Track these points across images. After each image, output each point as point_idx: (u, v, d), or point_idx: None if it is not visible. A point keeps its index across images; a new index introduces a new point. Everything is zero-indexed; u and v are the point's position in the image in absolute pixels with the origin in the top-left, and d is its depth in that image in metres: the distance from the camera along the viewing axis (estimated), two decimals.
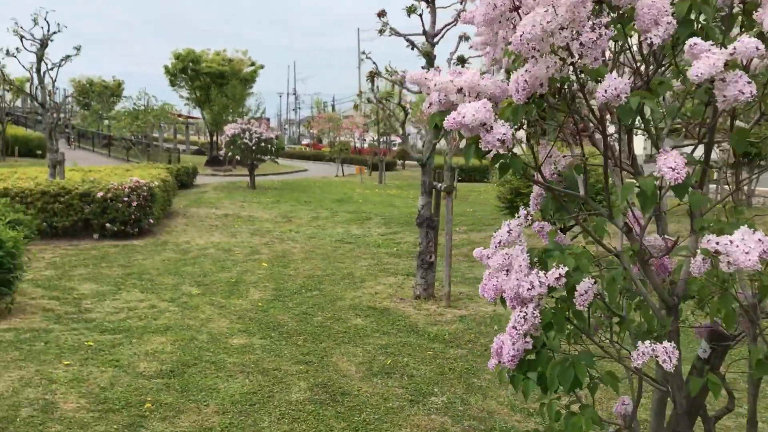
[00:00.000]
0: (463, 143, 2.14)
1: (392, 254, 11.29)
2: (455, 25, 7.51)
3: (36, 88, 14.04)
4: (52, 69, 14.00)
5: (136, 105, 32.88)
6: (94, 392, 5.01)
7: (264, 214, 16.28)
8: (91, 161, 29.04)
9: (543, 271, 1.71)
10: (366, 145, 50.77)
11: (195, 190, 21.98)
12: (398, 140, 60.36)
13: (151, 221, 12.79)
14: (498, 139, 1.57)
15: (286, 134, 77.46)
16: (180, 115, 43.92)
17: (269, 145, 23.22)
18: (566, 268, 1.67)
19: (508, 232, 1.76)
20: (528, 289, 1.63)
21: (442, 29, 7.61)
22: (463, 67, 7.43)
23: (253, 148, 22.75)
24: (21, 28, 13.33)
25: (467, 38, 7.98)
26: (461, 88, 1.65)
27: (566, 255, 1.77)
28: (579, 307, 1.72)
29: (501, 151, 1.62)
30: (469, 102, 1.63)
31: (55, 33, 13.75)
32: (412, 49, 7.95)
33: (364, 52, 7.93)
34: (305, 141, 75.69)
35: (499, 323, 7.09)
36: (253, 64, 38.03)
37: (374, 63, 7.96)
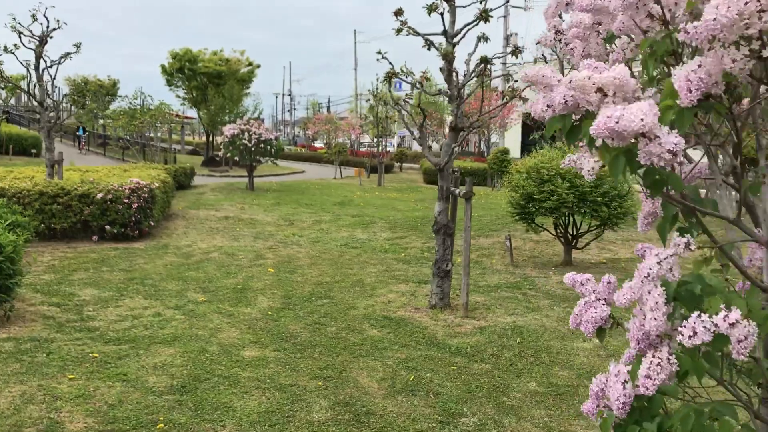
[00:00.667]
0: (576, 159, 1.84)
1: (400, 260, 10.99)
2: (477, 24, 7.22)
3: (34, 86, 13.67)
4: (51, 66, 13.64)
5: (132, 104, 32.45)
6: (102, 410, 4.69)
7: (265, 217, 15.96)
8: (87, 161, 28.62)
9: (702, 314, 1.40)
10: (363, 148, 50.46)
11: (193, 191, 21.62)
12: (395, 142, 60.12)
13: (152, 223, 12.45)
14: (669, 150, 1.28)
15: (281, 135, 77.01)
16: (177, 115, 43.50)
17: (268, 147, 22.89)
18: (739, 311, 1.38)
19: (659, 263, 1.47)
20: (689, 336, 1.34)
21: (463, 29, 7.32)
22: (485, 68, 7.15)
23: (252, 149, 22.42)
24: (19, 24, 12.96)
25: (487, 39, 7.71)
26: (600, 87, 1.36)
27: (733, 295, 1.47)
28: (737, 356, 1.43)
29: (664, 166, 1.33)
30: (610, 103, 1.34)
31: (54, 30, 13.38)
32: (429, 49, 7.66)
33: (380, 52, 7.62)
34: (300, 142, 75.34)
35: (521, 335, 6.80)
36: (250, 64, 37.68)
37: (390, 63, 7.65)
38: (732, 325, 1.32)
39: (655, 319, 1.46)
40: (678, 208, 1.76)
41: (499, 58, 9.27)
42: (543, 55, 18.99)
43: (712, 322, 1.33)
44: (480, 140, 48.93)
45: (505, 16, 47.27)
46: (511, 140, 46.15)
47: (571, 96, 1.43)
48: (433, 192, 23.89)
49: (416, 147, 57.12)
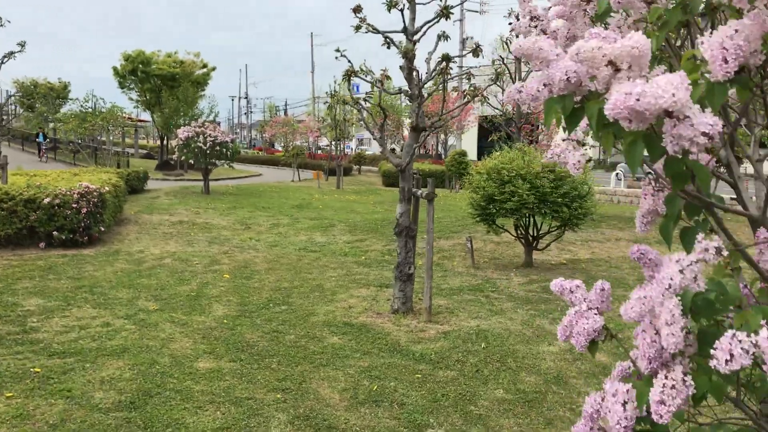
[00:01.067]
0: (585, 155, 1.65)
1: (361, 263, 10.75)
2: (437, 21, 7.04)
3: None
4: None
5: (83, 107, 31.51)
6: (42, 431, 4.35)
7: (221, 221, 15.56)
8: (37, 165, 27.69)
9: (738, 332, 1.19)
10: (320, 150, 50.06)
11: (146, 195, 21.04)
12: (353, 145, 59.86)
13: (102, 229, 11.98)
14: (703, 133, 1.08)
15: (237, 138, 76.02)
16: (129, 118, 42.51)
17: (224, 149, 22.43)
18: None
19: (681, 271, 1.26)
20: (726, 361, 1.14)
21: (423, 26, 7.13)
22: (448, 66, 6.98)
23: (208, 152, 21.94)
24: None
25: (447, 37, 7.55)
26: (612, 60, 1.16)
27: None
28: None
29: (696, 151, 1.12)
30: (624, 79, 1.14)
31: None
32: (389, 47, 7.46)
33: (338, 50, 7.38)
34: (258, 145, 74.56)
35: (486, 340, 6.63)
36: (205, 66, 37.02)
37: (349, 61, 7.42)
38: None
39: (673, 334, 1.26)
40: (681, 205, 1.57)
41: (461, 57, 9.13)
42: (501, 57, 19.03)
43: (752, 342, 1.13)
44: (437, 142, 49.02)
45: (461, 20, 47.48)
46: (468, 143, 46.37)
47: (574, 72, 1.23)
48: (392, 194, 23.72)
49: (375, 149, 57.00)
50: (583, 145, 2.18)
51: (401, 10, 7.09)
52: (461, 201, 17.42)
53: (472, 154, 40.78)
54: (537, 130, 22.30)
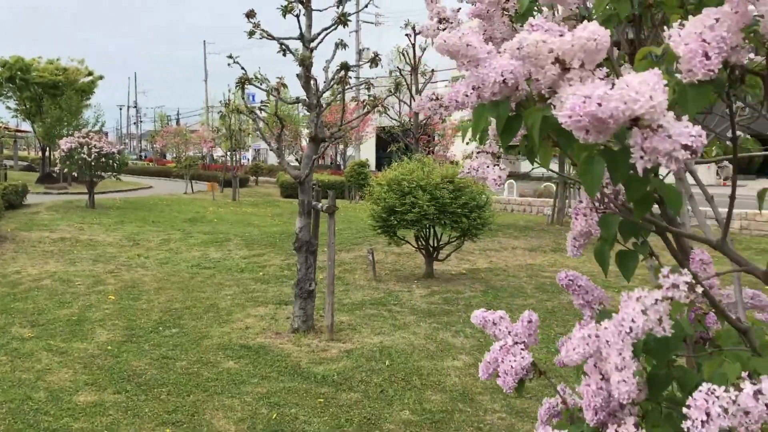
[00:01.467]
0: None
1: (259, 280, 10.32)
2: (335, 28, 6.80)
3: None
4: None
5: None
6: None
7: (107, 237, 14.66)
8: None
9: (715, 386, 0.97)
10: (215, 161, 48.75)
11: (26, 210, 19.63)
12: (249, 155, 58.73)
13: None
14: (685, 146, 0.86)
15: (126, 149, 72.96)
16: (7, 128, 39.89)
17: (111, 161, 21.29)
18: None
19: (643, 311, 1.03)
20: (703, 422, 0.91)
21: (321, 33, 6.87)
22: (347, 75, 6.75)
23: (93, 163, 20.74)
24: None
25: (345, 45, 7.32)
26: (559, 56, 0.93)
27: (747, 354, 1.08)
28: None
29: (673, 167, 0.89)
30: (576, 79, 0.91)
31: None
32: (285, 54, 7.15)
33: (231, 56, 7.00)
34: (148, 156, 71.91)
35: (390, 357, 6.41)
36: (90, 74, 35.25)
37: (243, 68, 7.06)
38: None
39: (625, 381, 1.04)
40: (615, 226, 1.38)
41: (358, 67, 8.94)
42: (398, 67, 19.06)
43: (731, 398, 0.92)
44: (336, 153, 48.86)
45: (356, 31, 47.68)
46: (367, 153, 46.46)
47: (511, 73, 1.00)
48: (290, 206, 23.27)
49: (272, 160, 56.11)
50: (499, 157, 1.97)
51: (297, 17, 6.81)
52: (362, 212, 17.26)
53: (370, 164, 40.84)
54: (433, 141, 22.48)
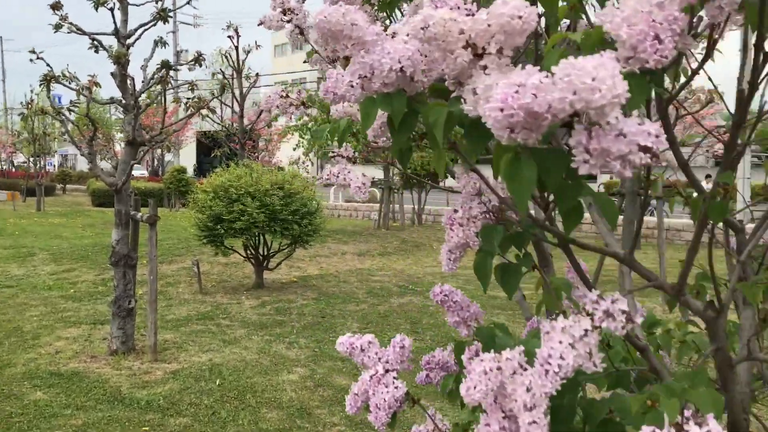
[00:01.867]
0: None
1: (69, 297, 9.41)
2: (154, 24, 6.31)
3: None
4: None
5: None
6: None
7: None
8: None
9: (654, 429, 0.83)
10: (16, 168, 44.55)
11: None
12: (55, 161, 54.33)
13: None
14: (643, 148, 0.69)
15: None
16: None
17: None
18: (712, 414, 0.82)
19: (572, 345, 0.85)
20: None
21: (138, 29, 6.35)
22: (168, 74, 6.29)
23: None
24: None
25: (165, 43, 6.85)
26: (470, 38, 0.74)
27: (680, 385, 0.93)
28: None
29: (627, 173, 0.73)
30: (493, 67, 0.74)
31: None
32: (97, 51, 6.54)
33: (33, 51, 6.27)
34: None
35: (221, 375, 6.04)
36: None
37: (48, 65, 6.35)
38: None
39: (536, 422, 0.89)
40: (498, 238, 1.24)
41: (176, 69, 8.44)
42: (221, 70, 18.42)
43: None
44: (153, 158, 46.59)
45: (174, 32, 45.94)
46: (186, 159, 44.76)
47: (408, 60, 0.81)
48: (103, 215, 21.75)
49: (81, 166, 52.27)
50: (355, 162, 1.80)
51: (111, 10, 6.24)
52: (183, 221, 16.44)
53: (190, 170, 39.33)
54: (258, 147, 22.04)
